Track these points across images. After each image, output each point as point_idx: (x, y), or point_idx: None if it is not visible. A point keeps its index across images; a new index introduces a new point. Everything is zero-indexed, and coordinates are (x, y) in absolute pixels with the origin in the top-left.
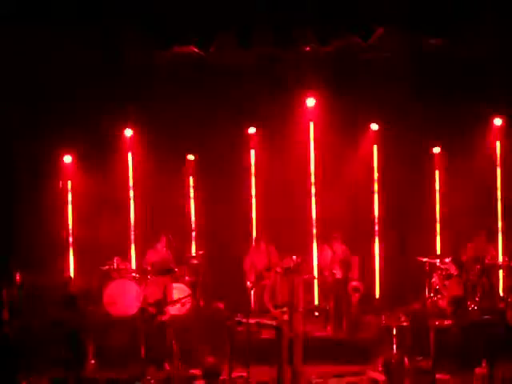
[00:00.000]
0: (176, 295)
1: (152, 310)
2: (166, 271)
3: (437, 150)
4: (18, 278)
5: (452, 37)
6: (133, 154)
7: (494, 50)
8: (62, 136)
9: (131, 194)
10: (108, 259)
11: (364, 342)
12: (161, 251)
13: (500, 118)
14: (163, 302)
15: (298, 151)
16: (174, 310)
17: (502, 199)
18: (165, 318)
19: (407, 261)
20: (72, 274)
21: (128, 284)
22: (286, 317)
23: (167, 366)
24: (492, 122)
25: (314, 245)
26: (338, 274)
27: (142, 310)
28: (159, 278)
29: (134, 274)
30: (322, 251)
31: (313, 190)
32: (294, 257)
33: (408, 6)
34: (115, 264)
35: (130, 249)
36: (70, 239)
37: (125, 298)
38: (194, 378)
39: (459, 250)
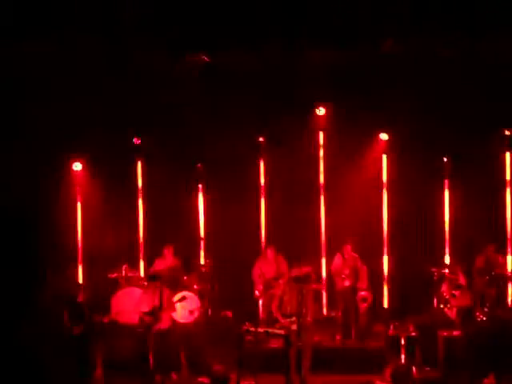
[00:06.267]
0: (188, 304)
1: (148, 319)
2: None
3: (446, 159)
4: None
5: (464, 48)
6: (142, 162)
7: (507, 61)
8: (71, 143)
9: (140, 201)
10: (116, 267)
11: (372, 352)
12: (169, 259)
13: (510, 128)
14: (158, 310)
15: (307, 160)
16: (182, 318)
17: (511, 209)
18: (163, 325)
19: (416, 270)
20: (81, 282)
21: (136, 292)
22: (294, 326)
23: (174, 376)
24: (501, 132)
25: (323, 254)
26: (347, 281)
27: (140, 320)
28: (153, 284)
29: (142, 282)
30: (334, 258)
31: (322, 199)
32: (303, 266)
33: (421, 15)
34: (124, 272)
35: (138, 257)
36: (79, 247)
37: (133, 306)
38: None
39: (468, 260)
